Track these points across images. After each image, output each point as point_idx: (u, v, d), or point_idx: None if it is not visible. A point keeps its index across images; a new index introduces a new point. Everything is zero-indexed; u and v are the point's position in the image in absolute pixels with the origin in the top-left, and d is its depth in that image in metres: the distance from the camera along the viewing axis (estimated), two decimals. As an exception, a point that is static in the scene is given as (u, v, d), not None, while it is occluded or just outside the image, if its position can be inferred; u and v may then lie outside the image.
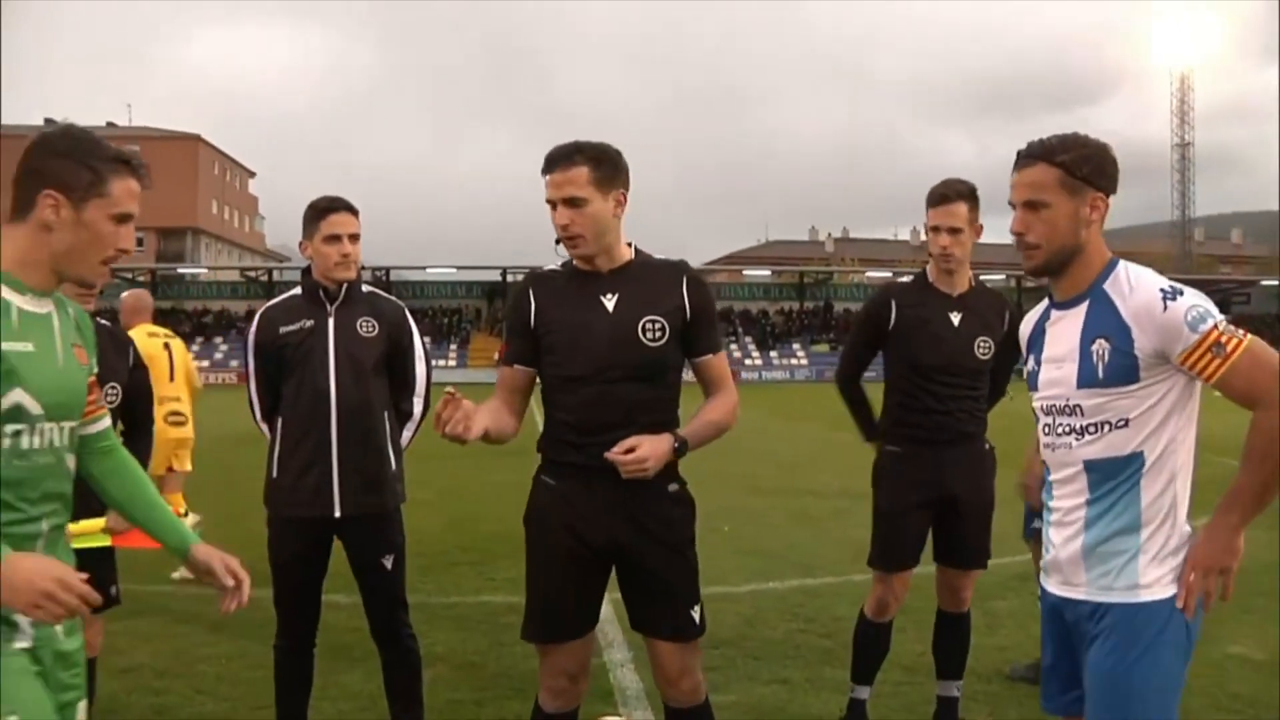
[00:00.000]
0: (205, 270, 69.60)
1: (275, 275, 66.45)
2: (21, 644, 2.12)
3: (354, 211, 3.79)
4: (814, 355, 61.06)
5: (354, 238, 3.76)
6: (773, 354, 63.53)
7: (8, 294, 2.09)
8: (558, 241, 3.02)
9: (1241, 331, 2.29)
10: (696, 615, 3.08)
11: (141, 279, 60.86)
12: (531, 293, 3.10)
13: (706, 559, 7.92)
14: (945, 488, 3.97)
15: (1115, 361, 2.33)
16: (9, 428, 2.06)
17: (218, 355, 58.43)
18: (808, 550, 8.06)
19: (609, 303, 3.00)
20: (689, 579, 3.09)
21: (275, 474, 3.80)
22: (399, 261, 61.46)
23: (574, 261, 3.08)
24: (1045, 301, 2.56)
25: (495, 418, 3.02)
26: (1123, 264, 2.42)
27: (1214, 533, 2.34)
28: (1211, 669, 5.01)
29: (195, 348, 59.30)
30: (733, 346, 65.05)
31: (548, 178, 2.98)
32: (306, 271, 3.85)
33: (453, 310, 65.07)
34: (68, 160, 2.14)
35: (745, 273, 75.82)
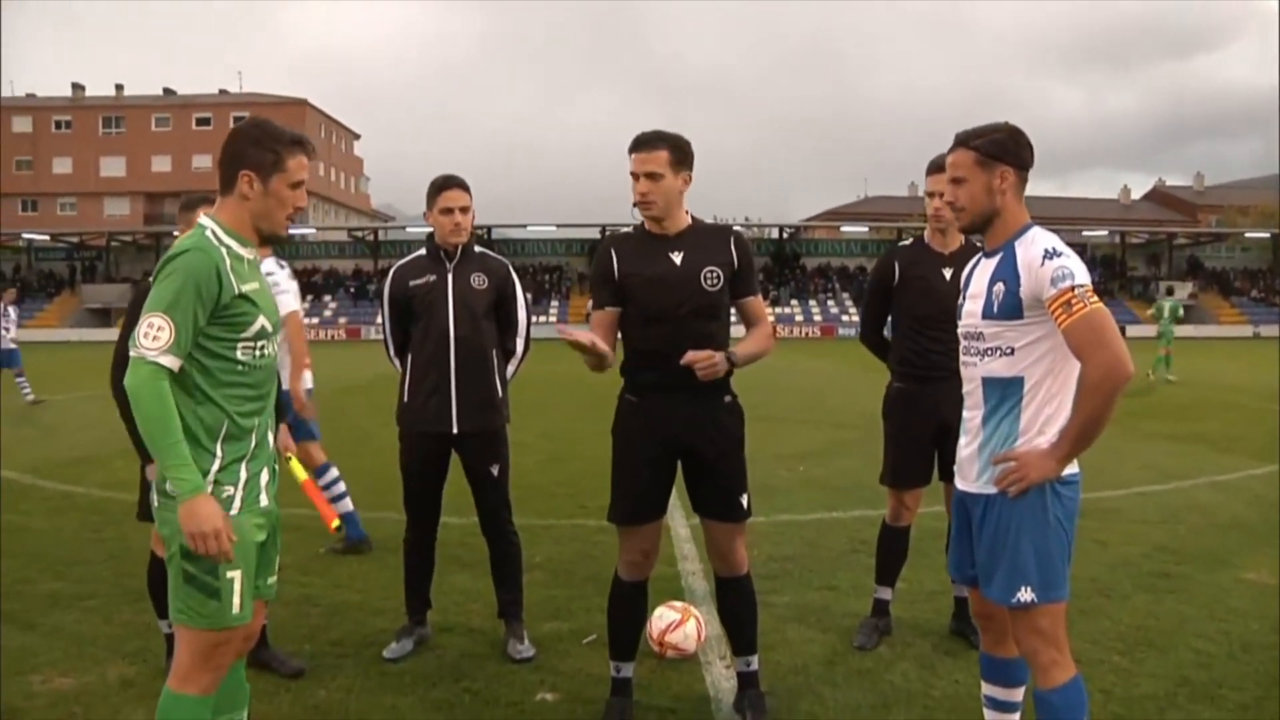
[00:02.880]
0: (314, 231, 71.79)
1: (381, 235, 68.43)
2: (265, 503, 2.94)
3: (465, 188, 4.63)
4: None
5: (464, 210, 4.61)
6: (869, 310, 63.10)
7: (238, 248, 2.89)
8: (635, 205, 3.80)
9: (1093, 299, 2.83)
10: (744, 502, 3.87)
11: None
12: (613, 251, 3.88)
13: (780, 492, 8.82)
14: (942, 416, 4.59)
15: (1007, 300, 2.97)
16: (259, 343, 2.90)
17: (326, 313, 60.65)
18: (873, 488, 8.62)
19: (676, 258, 3.78)
20: (739, 472, 3.86)
21: (406, 399, 4.68)
22: (500, 220, 62.46)
23: (645, 225, 3.86)
24: (980, 252, 3.21)
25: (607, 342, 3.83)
26: (1034, 228, 3.03)
27: (1046, 453, 2.92)
28: (1217, 590, 5.59)
29: (305, 305, 61.72)
30: (830, 303, 64.91)
31: (634, 155, 3.74)
32: (430, 236, 4.70)
33: (553, 267, 66.11)
34: (257, 147, 2.86)
35: (843, 229, 75.25)
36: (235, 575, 2.82)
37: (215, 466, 2.81)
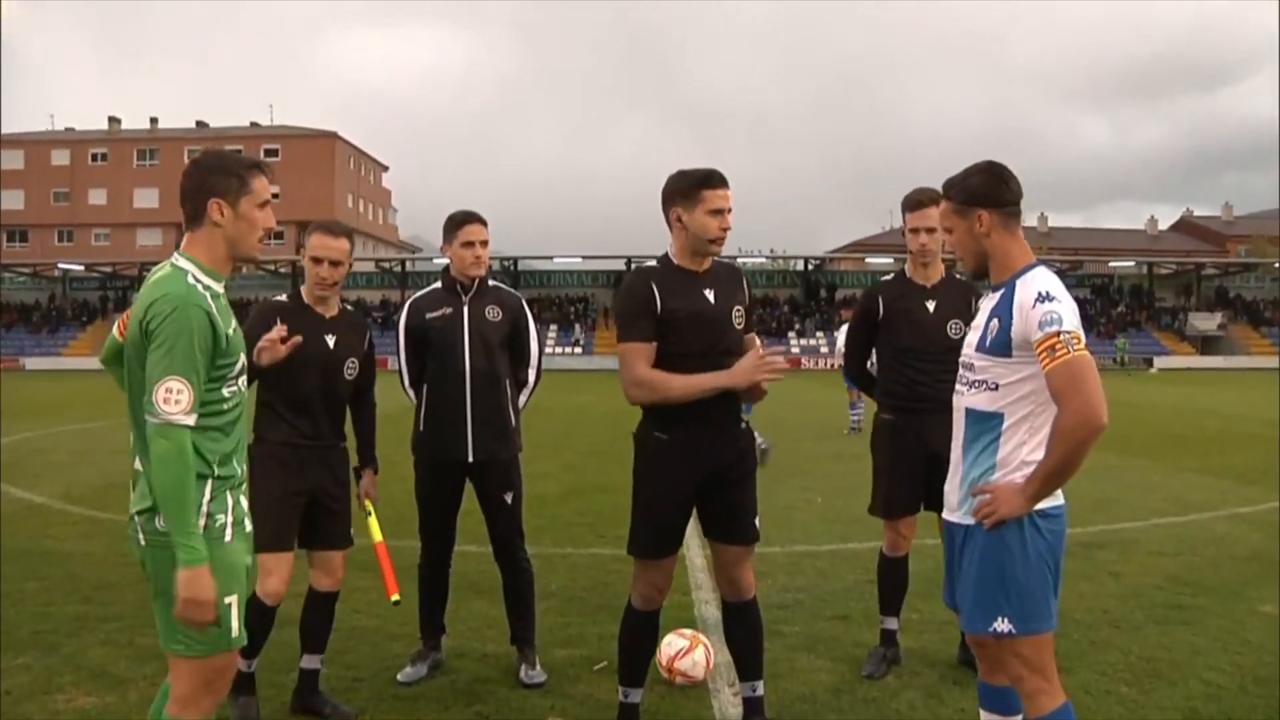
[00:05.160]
0: (343, 261, 72.16)
1: (408, 266, 68.92)
2: (248, 528, 2.98)
3: (484, 223, 4.76)
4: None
5: (484, 243, 4.74)
6: (895, 342, 62.82)
7: (215, 285, 2.91)
8: (715, 240, 3.81)
9: (1077, 346, 2.85)
10: (758, 524, 3.99)
11: (283, 270, 64.07)
12: (654, 285, 3.81)
13: (797, 524, 8.87)
14: (930, 447, 4.64)
15: (998, 337, 3.04)
16: (240, 379, 2.97)
17: (355, 342, 61.01)
18: (890, 518, 8.70)
19: (710, 295, 3.88)
20: (752, 496, 3.99)
21: (421, 428, 4.78)
22: (526, 251, 62.84)
23: (672, 260, 3.90)
24: (963, 284, 3.30)
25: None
26: (1037, 269, 3.08)
27: (1018, 489, 2.95)
28: (1231, 622, 5.58)
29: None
30: (855, 334, 64.61)
31: (720, 191, 3.79)
32: (446, 269, 4.82)
33: (578, 299, 66.18)
34: (220, 174, 2.89)
35: (869, 260, 75.20)
36: (233, 600, 2.86)
37: (207, 497, 2.83)
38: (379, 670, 4.82)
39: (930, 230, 4.65)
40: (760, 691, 4.04)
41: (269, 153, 79.82)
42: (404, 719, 4.27)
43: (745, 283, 4.03)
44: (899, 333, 4.79)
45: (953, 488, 3.20)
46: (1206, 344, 62.56)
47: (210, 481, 2.85)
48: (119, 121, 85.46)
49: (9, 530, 8.32)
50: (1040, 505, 2.99)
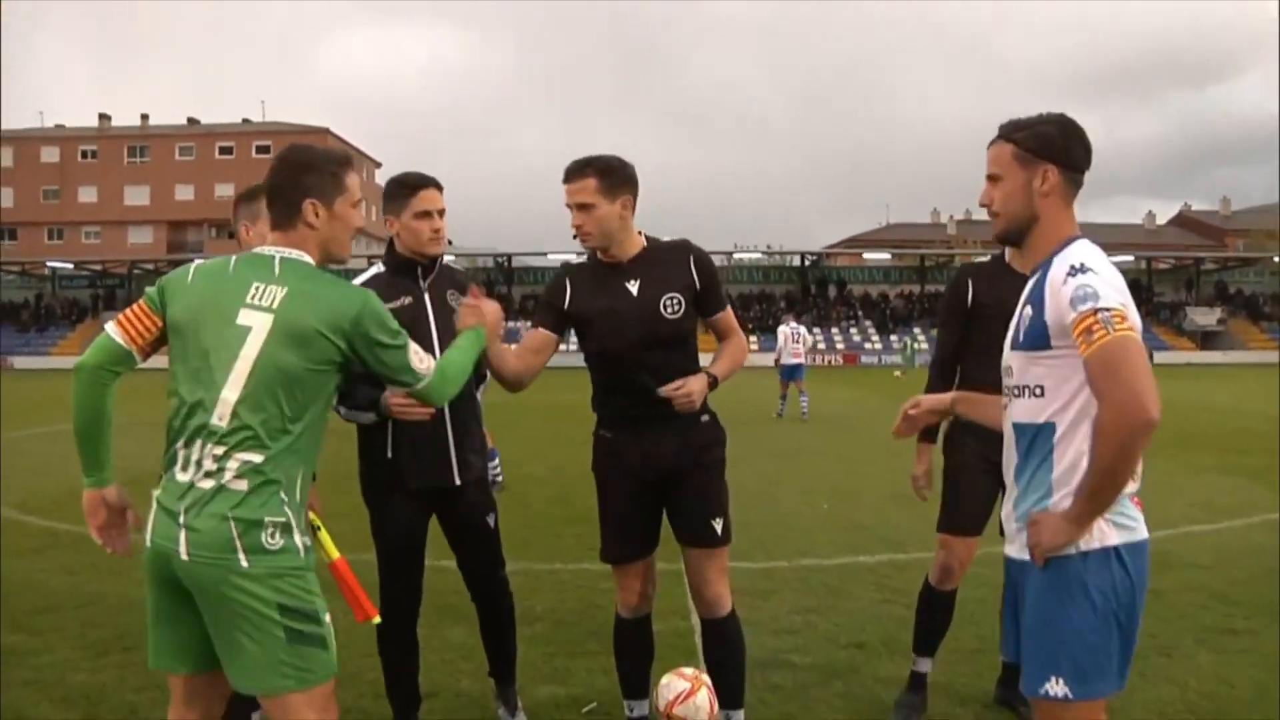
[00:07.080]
0: (335, 258, 71.73)
1: (401, 262, 68.24)
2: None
3: (441, 188, 3.81)
4: (934, 339, 59.13)
5: (442, 213, 3.78)
6: (892, 338, 62.61)
7: None
8: (575, 236, 3.54)
9: (1120, 326, 2.30)
10: (719, 527, 3.60)
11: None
12: (568, 281, 3.67)
13: (803, 532, 8.25)
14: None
15: (1032, 326, 2.48)
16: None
17: (348, 340, 60.48)
18: (901, 528, 8.15)
19: (633, 288, 3.55)
20: (716, 495, 3.62)
21: (390, 453, 3.75)
22: (519, 248, 62.27)
23: (598, 254, 3.61)
24: None
25: (505, 352, 3.59)
26: (1079, 241, 2.50)
27: (1058, 517, 2.42)
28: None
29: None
30: (852, 330, 64.40)
31: (564, 187, 3.52)
32: (390, 247, 3.82)
33: (571, 295, 65.53)
34: (314, 173, 2.69)
35: (865, 256, 74.85)
36: (329, 618, 2.62)
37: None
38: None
39: None
40: None
41: (261, 149, 79.16)
42: (361, 776, 3.69)
43: (694, 262, 3.60)
44: (993, 325, 3.83)
45: (1007, 517, 2.62)
46: (1206, 339, 62.21)
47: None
48: (109, 118, 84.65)
49: (-46, 544, 7.72)
50: (1115, 540, 2.42)
